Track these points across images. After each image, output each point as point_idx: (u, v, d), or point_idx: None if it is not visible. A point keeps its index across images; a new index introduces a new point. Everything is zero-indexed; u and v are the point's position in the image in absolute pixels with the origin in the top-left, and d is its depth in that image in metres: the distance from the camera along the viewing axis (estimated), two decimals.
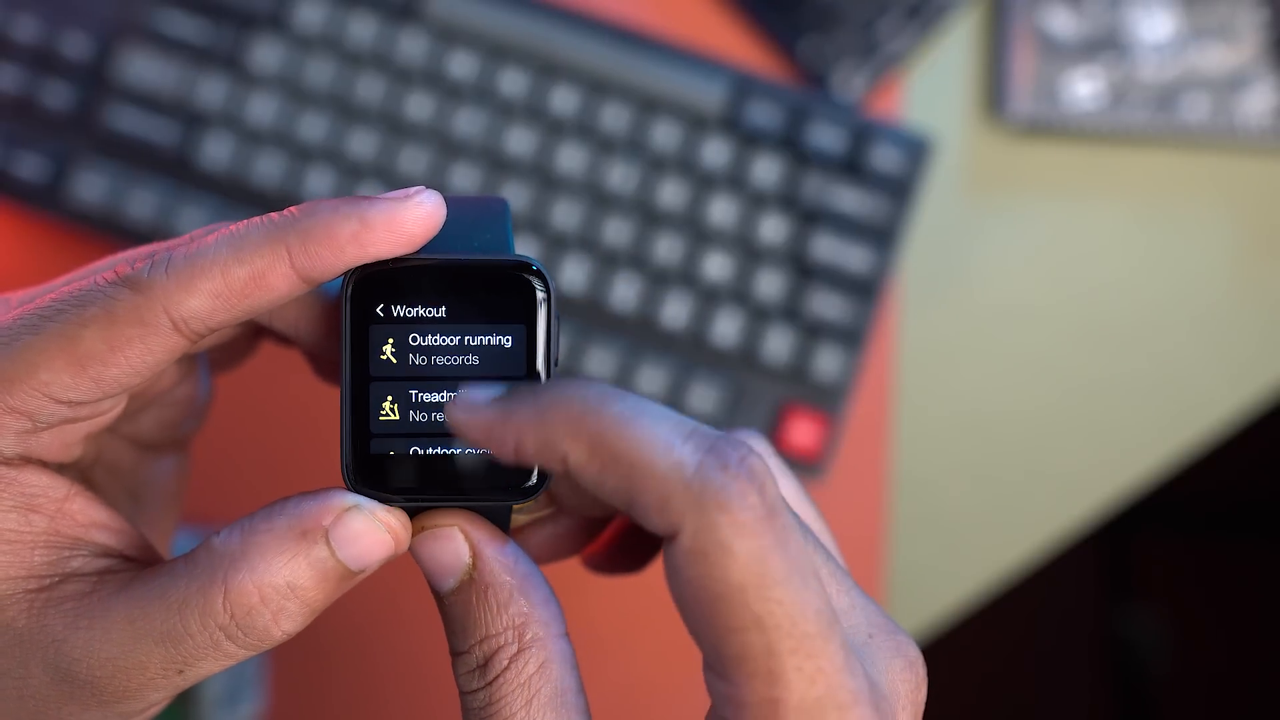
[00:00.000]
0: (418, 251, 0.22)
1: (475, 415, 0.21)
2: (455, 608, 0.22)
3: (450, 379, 0.22)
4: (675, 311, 0.45)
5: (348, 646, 0.46)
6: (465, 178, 0.45)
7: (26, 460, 0.22)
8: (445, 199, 0.23)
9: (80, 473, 0.26)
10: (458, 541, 0.22)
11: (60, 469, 0.24)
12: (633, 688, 0.47)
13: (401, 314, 0.22)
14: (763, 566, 0.19)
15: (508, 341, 0.22)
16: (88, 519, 0.22)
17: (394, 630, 0.46)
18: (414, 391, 0.22)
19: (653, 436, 0.19)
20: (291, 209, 0.21)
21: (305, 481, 0.23)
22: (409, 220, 0.21)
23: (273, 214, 0.21)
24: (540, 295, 0.22)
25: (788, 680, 0.19)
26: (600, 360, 0.45)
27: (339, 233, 0.21)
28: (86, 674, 0.21)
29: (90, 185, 0.45)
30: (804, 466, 0.45)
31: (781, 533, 0.19)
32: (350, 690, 0.46)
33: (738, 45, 0.49)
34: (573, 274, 0.45)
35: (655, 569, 0.32)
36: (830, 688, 0.19)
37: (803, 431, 0.45)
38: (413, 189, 0.22)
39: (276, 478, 0.46)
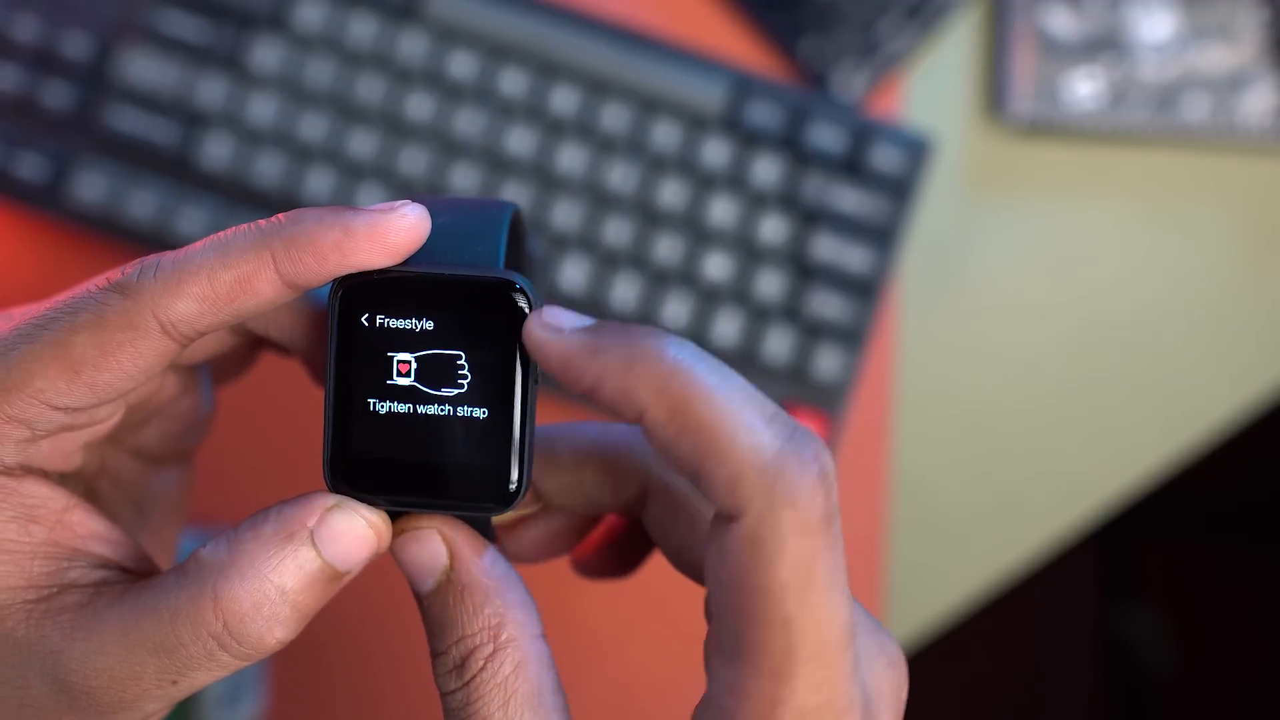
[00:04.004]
0: (406, 262, 0.22)
1: (559, 339, 0.21)
2: (433, 608, 0.23)
3: (431, 388, 0.22)
4: (675, 311, 0.45)
5: (348, 646, 0.46)
6: (465, 178, 0.45)
7: (27, 470, 0.22)
8: (448, 202, 0.23)
9: (84, 484, 0.26)
10: (435, 543, 0.23)
11: (63, 479, 0.25)
12: (628, 687, 0.47)
13: (385, 323, 0.22)
14: (809, 569, 0.19)
15: (489, 355, 0.22)
16: (86, 530, 0.23)
17: (394, 630, 0.46)
18: (395, 398, 0.22)
19: (738, 412, 0.19)
20: (278, 216, 0.22)
21: (307, 484, 0.23)
22: (391, 231, 0.22)
23: (260, 221, 0.22)
24: (523, 313, 0.22)
25: (795, 685, 0.19)
26: None
27: (322, 241, 0.21)
28: (83, 685, 0.21)
29: (90, 185, 0.45)
30: None
31: (834, 539, 0.19)
32: (350, 690, 0.46)
33: (738, 45, 0.49)
34: (573, 274, 0.45)
35: (645, 572, 0.32)
36: (831, 696, 0.20)
37: None
38: (398, 202, 0.22)
39: (279, 481, 0.47)
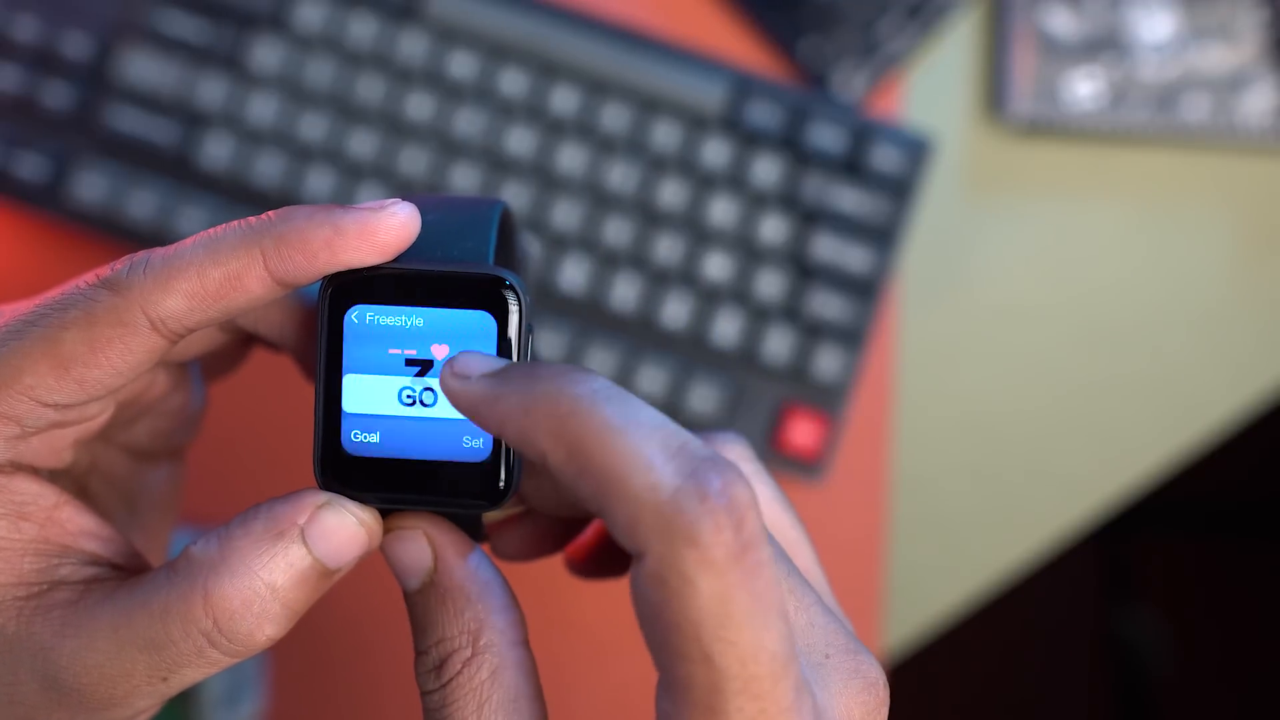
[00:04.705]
0: (396, 259, 0.22)
1: (465, 386, 0.21)
2: (417, 608, 0.23)
3: (420, 386, 0.22)
4: (675, 311, 0.45)
5: (348, 646, 0.46)
6: (465, 178, 0.45)
7: (17, 467, 0.22)
8: (438, 200, 0.23)
9: (75, 481, 0.26)
10: (421, 544, 0.23)
11: (54, 476, 0.25)
12: (628, 687, 0.47)
13: (375, 320, 0.22)
14: (723, 606, 0.18)
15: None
16: (77, 527, 0.23)
17: (393, 629, 0.46)
18: (385, 397, 0.22)
19: (634, 451, 0.19)
20: (269, 214, 0.22)
21: (299, 480, 0.23)
22: (381, 230, 0.22)
23: (250, 218, 0.22)
24: (512, 309, 0.22)
25: (727, 718, 0.19)
26: (600, 360, 0.45)
27: (312, 239, 0.21)
28: (73, 681, 0.21)
29: (90, 185, 0.45)
30: (804, 466, 0.45)
31: (751, 570, 0.18)
32: (350, 690, 0.46)
33: (738, 45, 0.49)
34: (573, 274, 0.45)
35: None
36: None
37: (803, 431, 0.45)
38: (388, 200, 0.22)
39: (271, 477, 0.47)
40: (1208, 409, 0.49)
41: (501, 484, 0.22)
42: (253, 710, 0.45)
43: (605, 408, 0.19)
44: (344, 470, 0.22)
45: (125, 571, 0.23)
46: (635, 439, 0.19)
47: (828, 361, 0.45)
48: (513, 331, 0.22)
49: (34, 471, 0.23)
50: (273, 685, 0.46)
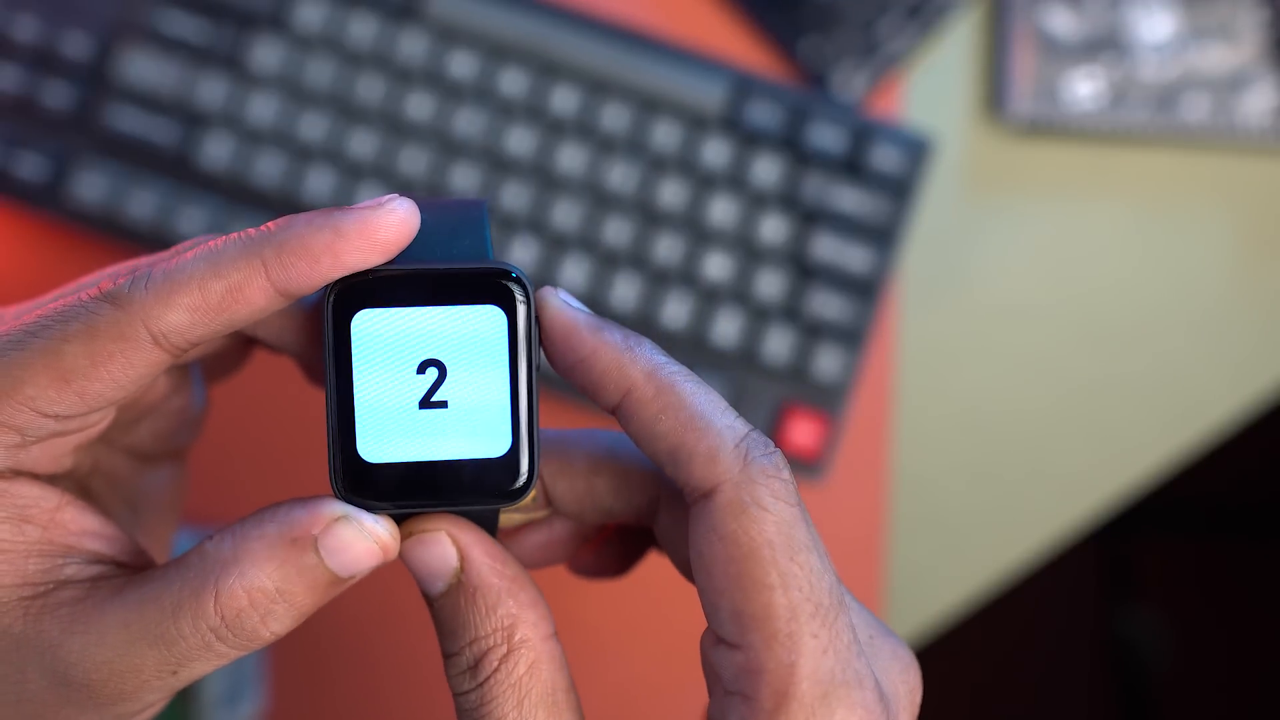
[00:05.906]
0: (395, 260, 0.22)
1: (568, 311, 0.23)
2: (445, 610, 0.23)
3: (433, 386, 0.22)
4: (675, 311, 0.45)
5: (348, 646, 0.46)
6: (465, 178, 0.45)
7: (17, 473, 0.22)
8: (421, 204, 0.23)
9: (77, 482, 0.26)
10: (445, 545, 0.23)
11: (54, 479, 0.25)
12: (628, 688, 0.47)
13: (381, 324, 0.22)
14: (791, 531, 0.21)
15: (490, 347, 0.22)
16: (80, 527, 0.23)
17: (394, 630, 0.46)
18: (398, 401, 0.22)
19: (713, 400, 0.22)
20: (268, 224, 0.22)
21: (306, 481, 0.23)
22: (382, 228, 0.21)
23: (250, 229, 0.22)
24: (520, 300, 0.22)
25: (804, 645, 0.20)
26: None
27: (313, 244, 0.21)
28: (82, 677, 0.21)
29: (90, 185, 0.45)
30: (804, 466, 0.45)
31: (804, 512, 0.21)
32: (350, 690, 0.46)
33: (738, 45, 0.49)
34: (573, 274, 0.45)
35: (646, 574, 0.32)
36: (841, 662, 0.20)
37: (803, 431, 0.45)
38: (384, 197, 0.22)
39: (278, 478, 0.47)
40: (1208, 409, 0.49)
41: (523, 477, 0.22)
42: (253, 710, 0.45)
43: (683, 368, 0.23)
44: (361, 479, 0.22)
45: (130, 569, 0.23)
46: (712, 395, 0.22)
47: (828, 361, 0.45)
48: (522, 323, 0.22)
49: (34, 476, 0.23)
50: (273, 685, 0.46)
